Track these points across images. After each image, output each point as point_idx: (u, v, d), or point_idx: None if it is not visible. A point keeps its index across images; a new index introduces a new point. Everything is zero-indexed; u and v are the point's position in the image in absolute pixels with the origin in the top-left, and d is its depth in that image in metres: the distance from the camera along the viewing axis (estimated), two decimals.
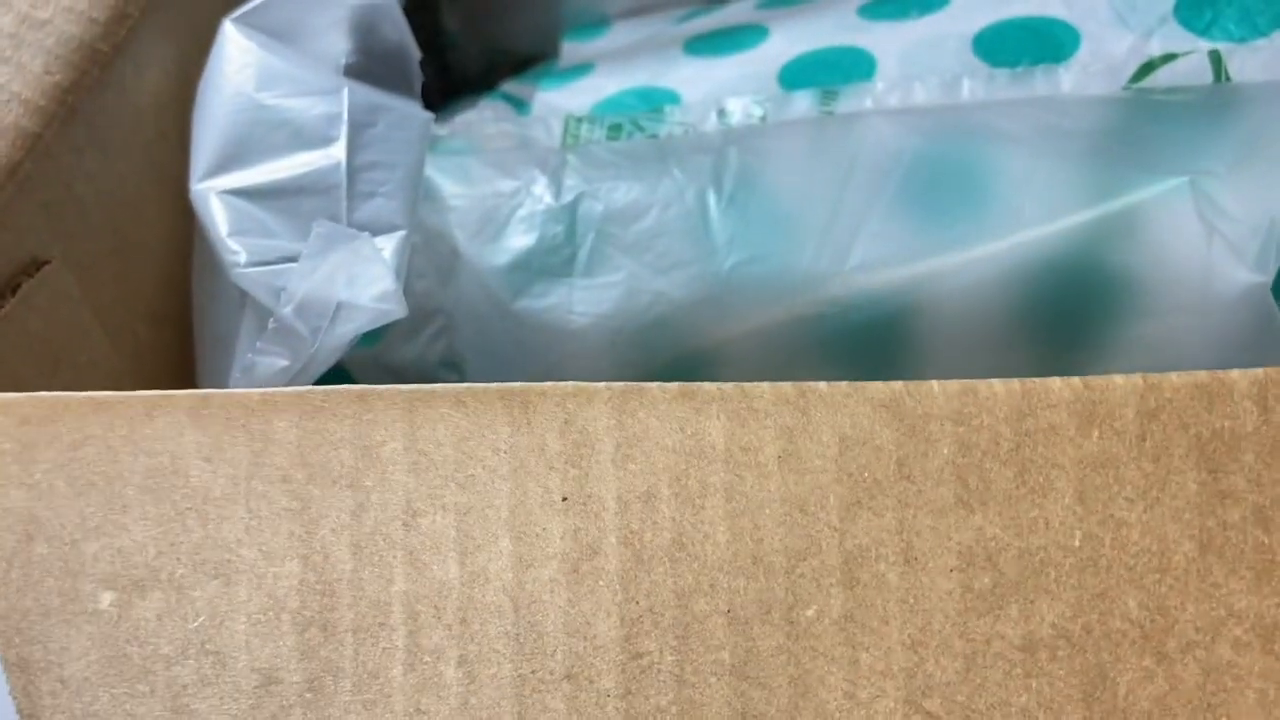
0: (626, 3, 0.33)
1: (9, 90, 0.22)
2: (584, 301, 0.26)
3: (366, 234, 0.23)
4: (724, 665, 0.16)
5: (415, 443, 0.18)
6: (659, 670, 0.16)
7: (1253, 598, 0.15)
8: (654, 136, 0.27)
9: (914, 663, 0.16)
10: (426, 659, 0.17)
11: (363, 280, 0.22)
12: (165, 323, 0.27)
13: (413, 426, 0.18)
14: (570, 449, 0.17)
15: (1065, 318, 0.24)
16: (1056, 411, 0.16)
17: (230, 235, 0.23)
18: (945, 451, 0.16)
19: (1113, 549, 0.16)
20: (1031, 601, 0.16)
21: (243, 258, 0.23)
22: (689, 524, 0.17)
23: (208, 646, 0.17)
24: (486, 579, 0.17)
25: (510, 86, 0.31)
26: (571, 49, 0.32)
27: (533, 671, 0.16)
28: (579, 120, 0.28)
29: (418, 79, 0.27)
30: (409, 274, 0.28)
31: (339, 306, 0.23)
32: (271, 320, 0.23)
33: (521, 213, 0.27)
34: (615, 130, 0.28)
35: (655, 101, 0.30)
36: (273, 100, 0.24)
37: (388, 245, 0.23)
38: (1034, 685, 0.16)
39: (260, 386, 0.21)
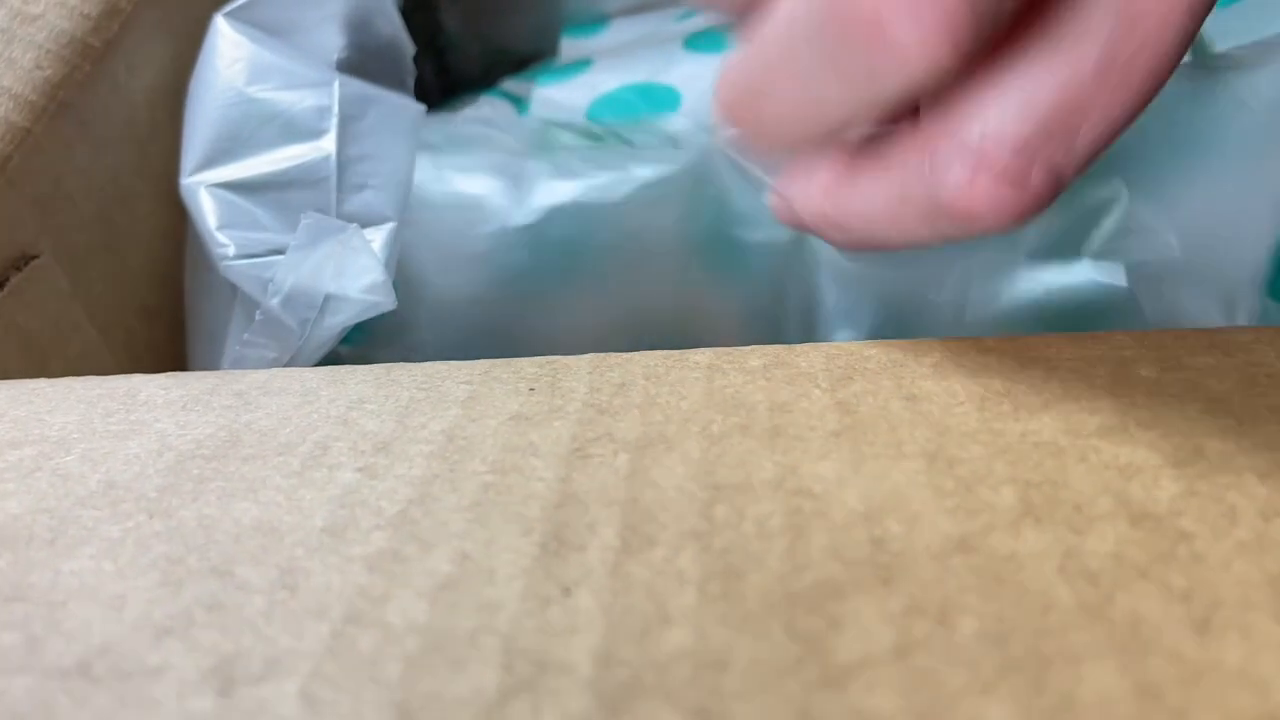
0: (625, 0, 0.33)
1: None
2: (557, 313, 0.26)
3: (355, 225, 0.23)
4: None
5: None
6: None
7: None
8: (629, 143, 0.27)
9: None
10: None
11: (351, 272, 0.22)
12: (157, 316, 0.27)
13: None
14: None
15: None
16: None
17: (219, 228, 0.23)
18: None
19: None
20: None
21: (231, 250, 0.23)
22: None
23: None
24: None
25: (510, 84, 0.31)
26: (570, 45, 0.32)
27: None
28: (561, 127, 0.28)
29: (410, 73, 0.27)
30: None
31: (327, 298, 0.23)
32: (259, 312, 0.22)
33: (487, 230, 0.26)
34: (595, 139, 0.27)
35: (655, 98, 0.30)
36: (263, 94, 0.24)
37: (377, 237, 0.23)
38: None
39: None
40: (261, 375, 0.20)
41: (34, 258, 0.23)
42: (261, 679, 0.11)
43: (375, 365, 0.20)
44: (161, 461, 0.17)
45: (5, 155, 0.22)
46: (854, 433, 0.16)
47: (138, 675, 0.12)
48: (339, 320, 0.23)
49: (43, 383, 0.21)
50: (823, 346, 0.19)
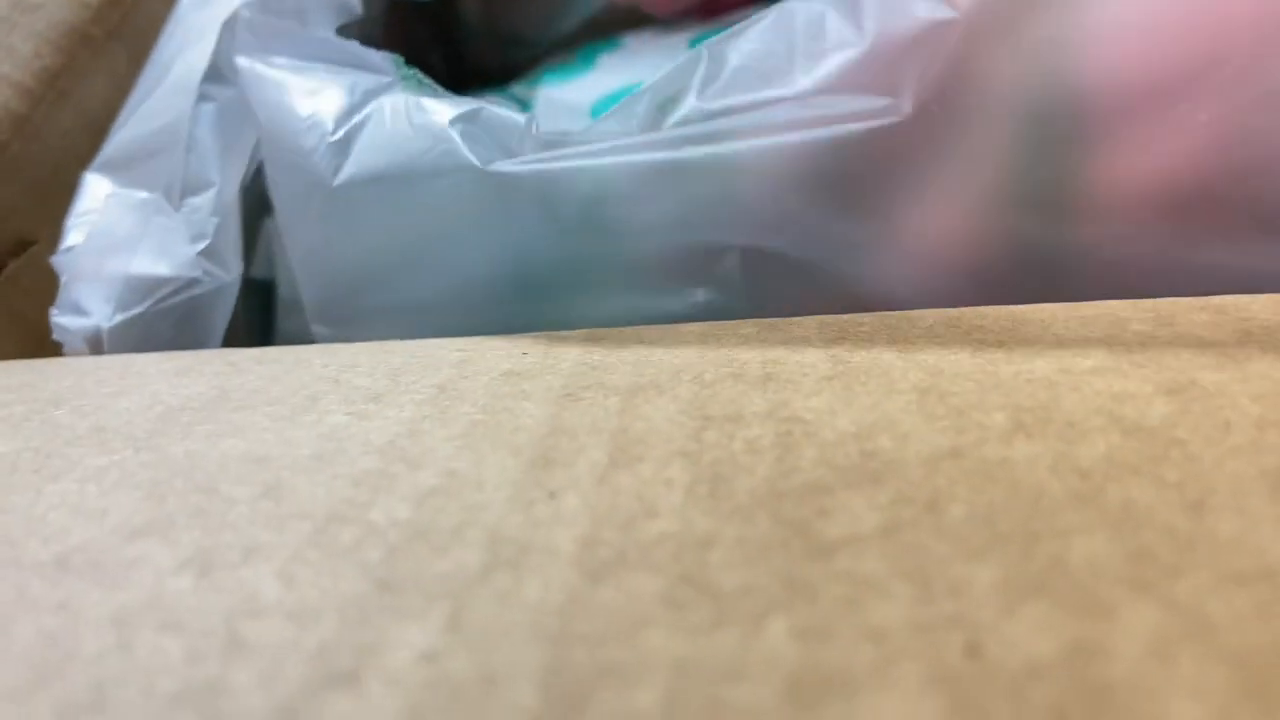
0: None
1: None
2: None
3: (159, 196, 0.22)
4: None
5: None
6: None
7: None
8: None
9: None
10: None
11: (156, 249, 0.21)
12: None
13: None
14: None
15: None
16: None
17: (74, 218, 0.22)
18: None
19: None
20: None
21: (66, 241, 0.22)
22: None
23: None
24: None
25: (518, 88, 0.31)
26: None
27: None
28: None
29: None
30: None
31: (127, 280, 0.22)
32: (60, 293, 0.22)
33: None
34: None
35: None
36: (170, 52, 0.23)
37: (201, 204, 0.22)
38: None
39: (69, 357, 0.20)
40: (256, 350, 0.20)
41: (32, 244, 0.23)
42: (240, 565, 0.11)
43: (370, 342, 0.20)
44: (152, 413, 0.17)
45: (3, 143, 0.22)
46: (846, 377, 0.15)
47: (114, 565, 0.11)
48: (147, 302, 0.22)
49: (39, 361, 0.21)
50: (817, 317, 0.19)
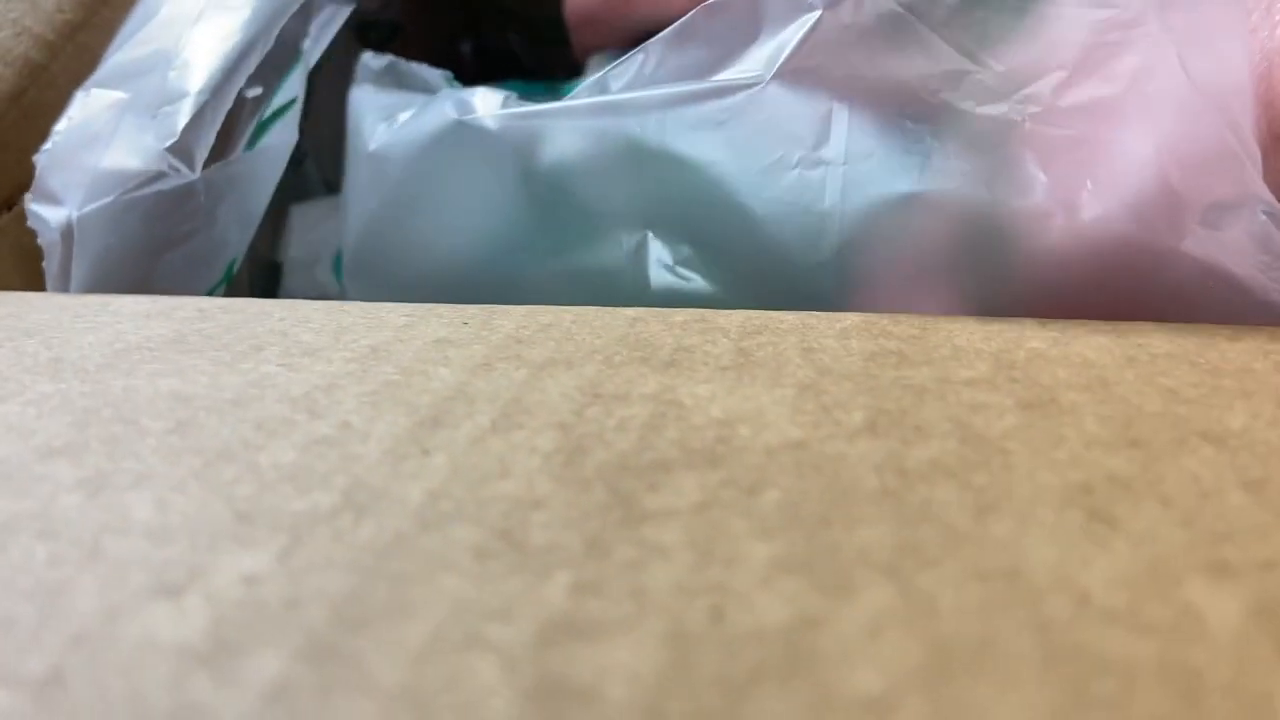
0: None
1: (21, 24, 0.24)
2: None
3: (128, 96, 0.23)
4: None
5: None
6: None
7: None
8: None
9: None
10: None
11: (127, 145, 0.23)
12: None
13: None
14: None
15: None
16: None
17: (59, 126, 0.24)
18: None
19: None
20: None
21: (48, 143, 0.24)
22: None
23: None
24: None
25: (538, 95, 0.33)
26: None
27: None
28: None
29: None
30: None
31: (97, 171, 0.23)
32: (35, 182, 0.23)
33: None
34: None
35: None
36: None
37: (174, 110, 0.24)
38: None
39: (50, 260, 0.22)
40: (224, 300, 0.21)
41: None
42: (127, 488, 0.12)
43: (332, 301, 0.21)
44: (110, 349, 0.18)
45: (21, 89, 0.24)
46: (743, 369, 0.16)
47: (22, 478, 0.13)
48: (116, 191, 0.23)
49: (33, 294, 0.22)
50: (746, 311, 0.20)
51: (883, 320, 0.19)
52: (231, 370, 0.17)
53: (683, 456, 0.13)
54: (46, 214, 0.23)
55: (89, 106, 0.23)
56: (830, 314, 0.19)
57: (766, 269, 0.22)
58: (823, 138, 0.22)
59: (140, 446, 0.14)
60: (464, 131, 0.24)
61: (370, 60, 0.28)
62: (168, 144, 0.23)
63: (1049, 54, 0.20)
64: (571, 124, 0.23)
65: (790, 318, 0.19)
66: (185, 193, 0.23)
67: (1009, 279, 0.20)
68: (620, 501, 0.12)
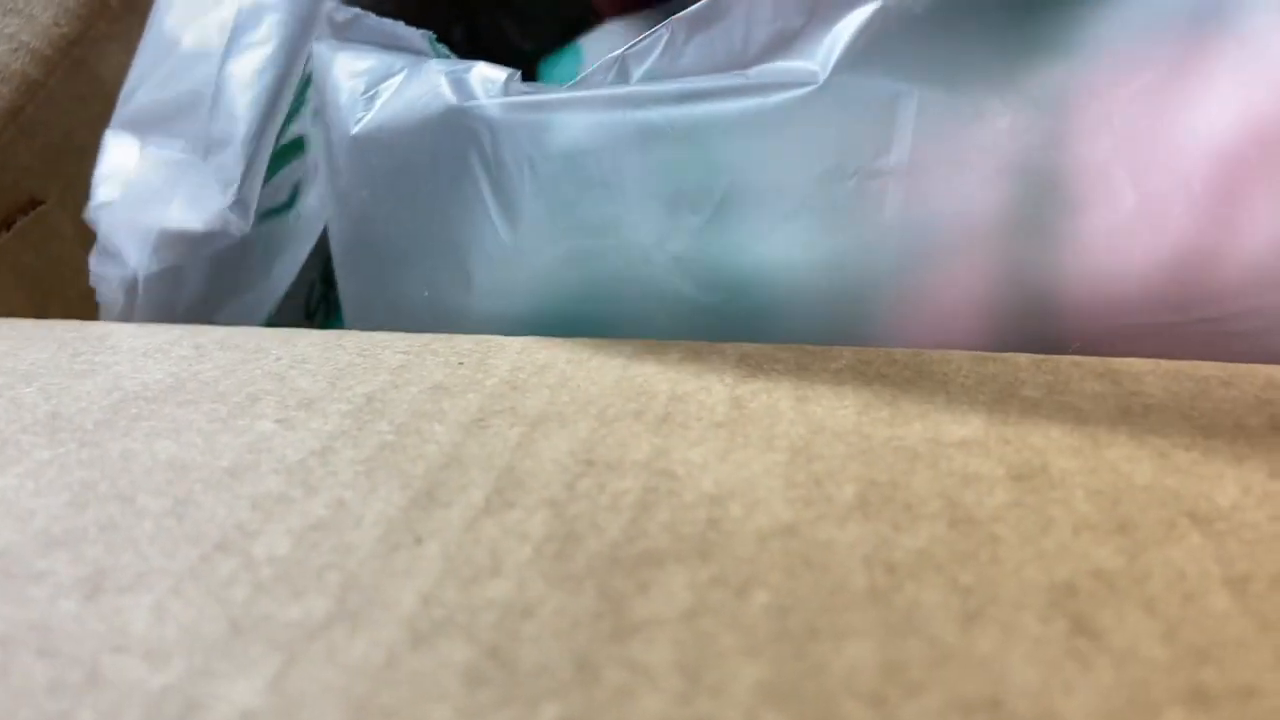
0: None
1: (18, 39, 0.24)
2: None
3: (194, 155, 0.23)
4: None
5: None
6: None
7: None
8: None
9: None
10: None
11: (189, 204, 0.23)
12: None
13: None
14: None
15: None
16: None
17: (101, 174, 0.24)
18: None
19: None
20: None
21: (97, 196, 0.24)
22: None
23: None
24: None
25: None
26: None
27: None
28: None
29: None
30: None
31: (161, 233, 0.23)
32: (95, 250, 0.23)
33: None
34: None
35: None
36: (175, 21, 0.24)
37: (226, 160, 0.24)
38: None
39: (108, 316, 0.22)
40: (221, 331, 0.22)
41: (40, 203, 0.25)
42: (125, 590, 0.13)
43: (329, 331, 0.21)
44: (108, 400, 0.18)
45: (19, 106, 0.23)
46: (736, 425, 0.16)
47: (22, 577, 0.13)
48: (182, 254, 0.23)
49: (28, 323, 0.23)
50: (742, 346, 0.20)
51: (878, 360, 0.19)
52: (228, 428, 0.17)
53: (673, 546, 0.13)
54: (110, 273, 0.23)
55: (144, 162, 0.23)
56: (825, 351, 0.19)
57: (809, 291, 0.21)
58: (884, 144, 0.20)
59: (138, 533, 0.14)
60: (463, 118, 0.22)
61: (334, 11, 0.25)
62: (229, 201, 0.23)
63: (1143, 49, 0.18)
64: (586, 116, 0.21)
65: (785, 356, 0.19)
66: (243, 248, 0.23)
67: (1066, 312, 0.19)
68: (611, 607, 0.12)
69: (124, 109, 0.23)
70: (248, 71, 0.24)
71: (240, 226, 0.24)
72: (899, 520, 0.14)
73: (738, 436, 0.16)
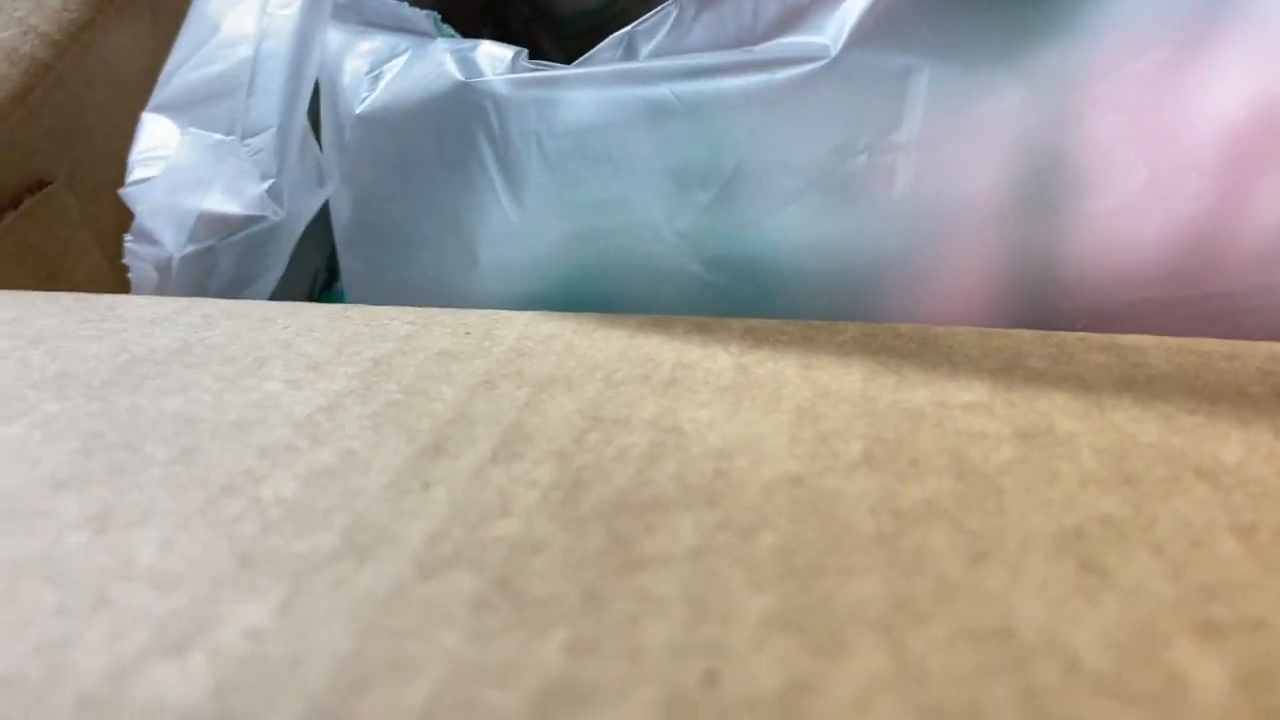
0: None
1: (27, 23, 0.24)
2: None
3: (234, 139, 0.23)
4: None
5: None
6: None
7: None
8: None
9: None
10: None
11: (228, 188, 0.23)
12: None
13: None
14: None
15: None
16: None
17: (138, 154, 0.24)
18: None
19: None
20: None
21: (133, 175, 0.24)
22: None
23: None
24: None
25: None
26: None
27: None
28: None
29: None
30: None
31: (201, 215, 0.23)
32: (132, 229, 0.23)
33: None
34: None
35: None
36: (216, 6, 0.25)
37: (263, 144, 0.24)
38: None
39: (140, 293, 0.22)
40: (229, 303, 0.22)
41: (48, 184, 0.25)
42: (132, 526, 0.13)
43: (335, 304, 0.21)
44: (116, 361, 0.18)
45: (28, 88, 0.24)
46: (742, 389, 0.17)
47: (28, 514, 0.13)
48: (217, 236, 0.24)
49: (36, 294, 0.23)
50: (746, 320, 0.20)
51: (883, 334, 0.19)
52: (235, 388, 0.17)
53: (680, 494, 0.13)
54: (145, 252, 0.23)
55: (183, 145, 0.23)
56: (831, 325, 0.19)
57: (817, 268, 0.21)
58: (895, 120, 0.19)
59: (145, 478, 0.14)
60: (470, 95, 0.22)
61: None
62: (266, 186, 0.23)
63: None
64: (593, 93, 0.21)
65: (791, 330, 0.19)
66: (275, 230, 0.24)
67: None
68: (617, 545, 0.12)
69: (162, 91, 0.23)
70: (281, 55, 0.25)
71: (277, 210, 0.24)
72: (905, 473, 0.14)
73: (744, 399, 0.16)
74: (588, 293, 0.23)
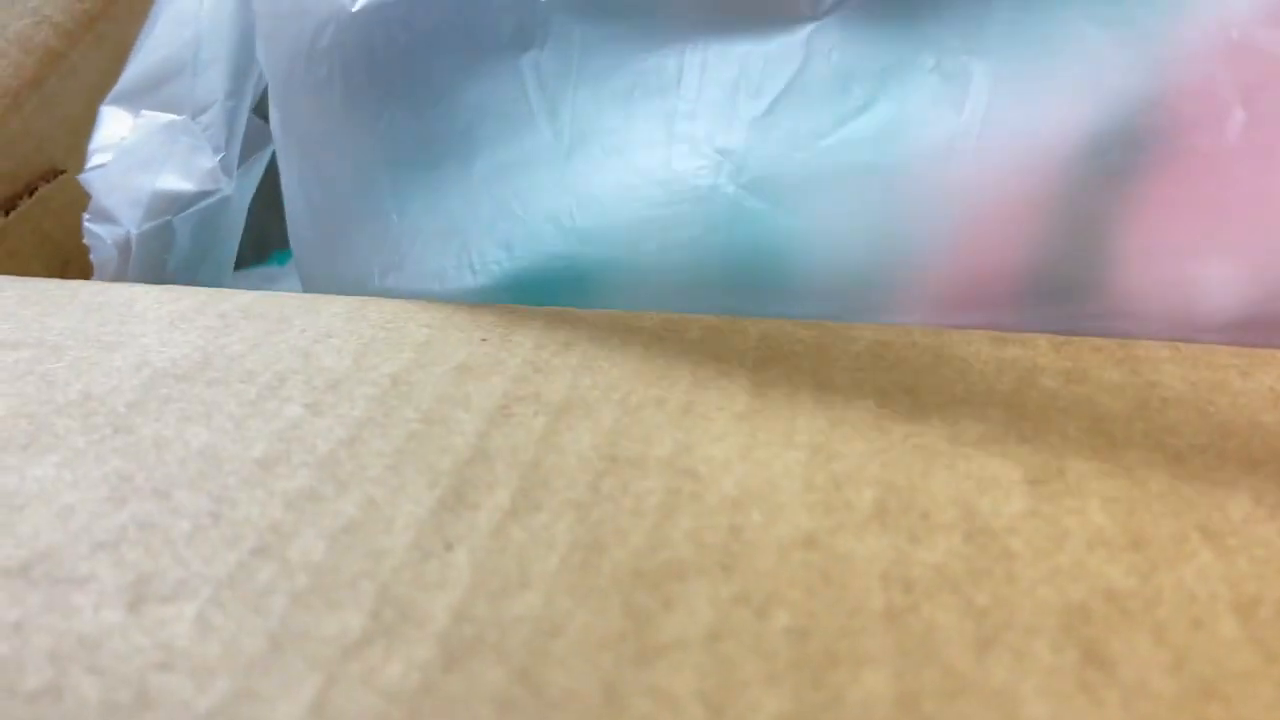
0: None
1: (41, 13, 0.23)
2: None
3: (185, 117, 0.23)
4: None
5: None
6: None
7: None
8: None
9: None
10: None
11: (180, 165, 0.23)
12: None
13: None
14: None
15: None
16: None
17: (96, 144, 0.24)
18: None
19: None
20: None
21: (91, 162, 0.24)
22: None
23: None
24: None
25: None
26: None
27: None
28: None
29: None
30: None
31: (155, 193, 0.24)
32: (89, 208, 0.24)
33: None
34: None
35: None
36: None
37: (211, 120, 0.24)
38: None
39: (102, 273, 0.22)
40: (247, 297, 0.22)
41: (62, 172, 0.25)
42: (168, 599, 0.13)
43: (352, 298, 0.22)
44: (137, 377, 0.18)
45: (42, 77, 0.23)
46: (757, 417, 0.17)
47: (66, 582, 0.13)
48: (173, 212, 0.24)
49: (53, 283, 0.23)
50: (762, 323, 0.20)
51: (897, 343, 0.19)
52: (257, 412, 0.17)
53: (696, 557, 0.14)
54: (103, 232, 0.23)
55: (137, 128, 0.23)
56: (844, 330, 0.19)
57: (861, 205, 0.19)
58: (971, 36, 0.18)
59: (175, 534, 0.14)
60: None
61: None
62: (218, 159, 0.23)
63: None
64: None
65: (806, 336, 0.19)
66: (226, 202, 0.24)
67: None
68: (636, 626, 0.12)
69: (118, 85, 0.24)
70: (222, 29, 0.24)
71: (227, 183, 0.24)
72: (917, 531, 0.14)
73: (759, 432, 0.16)
74: (617, 219, 0.22)
